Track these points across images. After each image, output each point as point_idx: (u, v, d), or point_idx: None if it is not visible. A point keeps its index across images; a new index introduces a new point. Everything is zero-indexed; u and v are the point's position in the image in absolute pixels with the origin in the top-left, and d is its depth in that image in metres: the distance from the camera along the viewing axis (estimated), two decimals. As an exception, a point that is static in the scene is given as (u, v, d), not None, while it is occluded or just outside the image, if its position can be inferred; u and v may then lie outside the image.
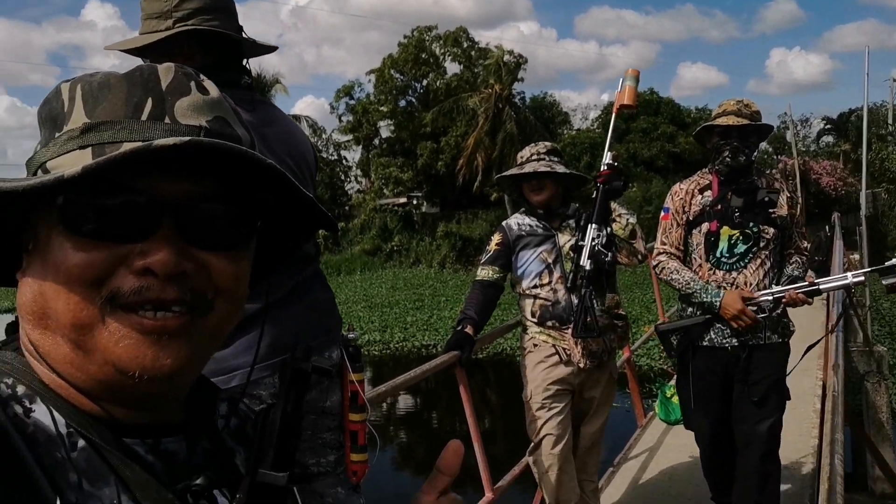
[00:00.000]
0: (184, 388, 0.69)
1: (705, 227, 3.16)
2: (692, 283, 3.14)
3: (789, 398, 3.21)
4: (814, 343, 3.44)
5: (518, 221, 3.31)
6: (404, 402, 13.02)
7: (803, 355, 3.25)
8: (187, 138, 0.58)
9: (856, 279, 2.91)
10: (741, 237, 3.11)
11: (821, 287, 3.02)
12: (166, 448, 0.66)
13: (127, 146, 0.59)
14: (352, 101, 36.99)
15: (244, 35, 1.83)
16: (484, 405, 12.18)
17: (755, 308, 3.05)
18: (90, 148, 0.62)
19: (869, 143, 20.77)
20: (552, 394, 3.19)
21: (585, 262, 2.97)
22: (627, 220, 3.16)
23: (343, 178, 40.52)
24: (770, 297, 3.04)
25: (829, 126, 43.41)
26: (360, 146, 37.78)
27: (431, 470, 0.71)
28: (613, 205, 3.13)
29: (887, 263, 2.80)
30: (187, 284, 0.62)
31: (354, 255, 32.15)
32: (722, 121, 3.10)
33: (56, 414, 0.61)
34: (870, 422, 7.36)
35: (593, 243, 2.97)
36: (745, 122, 3.06)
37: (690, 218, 3.21)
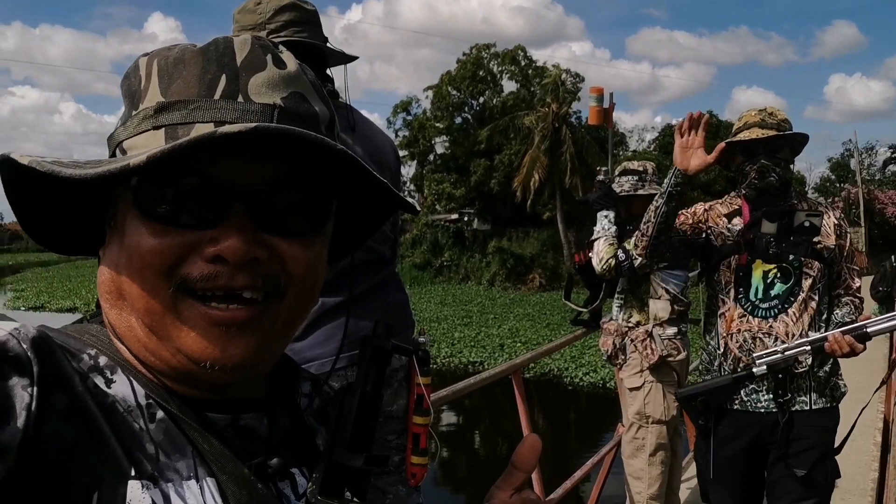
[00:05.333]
0: (259, 373, 0.68)
1: (734, 260, 2.62)
2: (658, 200, 2.61)
3: (839, 476, 2.63)
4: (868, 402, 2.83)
5: None
6: (447, 419, 13.01)
7: (855, 420, 2.67)
8: (253, 125, 0.55)
9: None
10: (779, 273, 2.56)
11: (869, 330, 2.38)
12: (245, 424, 0.66)
13: (199, 128, 0.59)
14: (409, 117, 37.41)
15: (330, 46, 1.91)
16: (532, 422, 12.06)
17: (790, 356, 2.46)
18: (163, 129, 0.60)
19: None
20: None
21: None
22: (594, 229, 3.58)
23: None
24: (807, 347, 2.46)
25: (895, 154, 42.14)
26: (415, 161, 38.13)
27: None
28: (599, 215, 3.55)
29: None
30: (259, 271, 0.60)
31: (404, 270, 32.34)
32: (744, 135, 2.60)
33: (136, 384, 0.61)
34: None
35: None
36: (772, 133, 2.56)
37: (716, 241, 2.67)
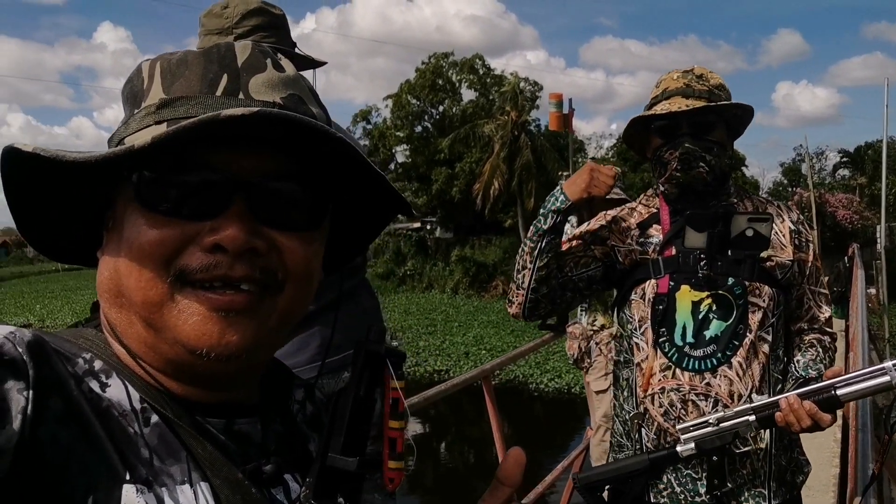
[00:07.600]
0: (255, 368, 0.69)
1: (650, 286, 1.83)
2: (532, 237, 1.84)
3: None
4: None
5: None
6: (413, 427, 12.95)
7: None
8: (255, 109, 0.57)
9: None
10: (714, 305, 1.77)
11: (840, 393, 1.61)
12: (240, 428, 0.66)
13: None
14: (369, 126, 37.35)
15: (298, 51, 1.91)
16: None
17: (727, 430, 1.67)
18: (165, 123, 0.61)
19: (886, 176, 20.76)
20: None
21: None
22: None
23: (358, 202, 40.88)
24: (751, 417, 1.66)
25: (845, 159, 43.40)
26: (376, 171, 38.10)
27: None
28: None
29: None
30: (257, 263, 0.61)
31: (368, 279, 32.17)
32: (662, 108, 1.79)
33: (131, 388, 0.61)
34: (890, 456, 7.28)
35: None
36: (701, 103, 1.76)
37: (622, 263, 1.89)
